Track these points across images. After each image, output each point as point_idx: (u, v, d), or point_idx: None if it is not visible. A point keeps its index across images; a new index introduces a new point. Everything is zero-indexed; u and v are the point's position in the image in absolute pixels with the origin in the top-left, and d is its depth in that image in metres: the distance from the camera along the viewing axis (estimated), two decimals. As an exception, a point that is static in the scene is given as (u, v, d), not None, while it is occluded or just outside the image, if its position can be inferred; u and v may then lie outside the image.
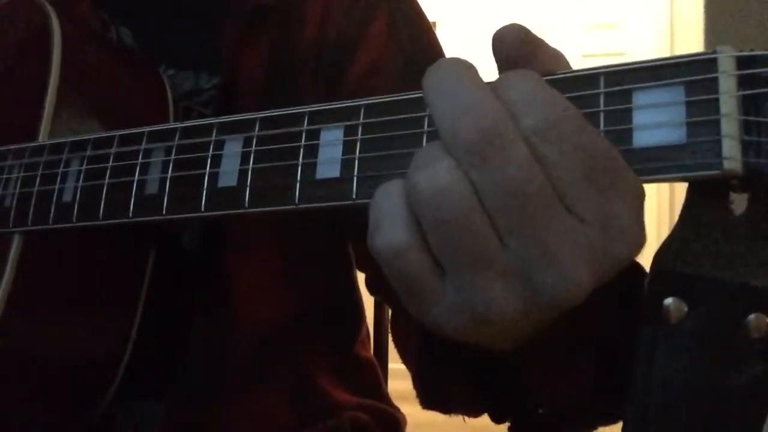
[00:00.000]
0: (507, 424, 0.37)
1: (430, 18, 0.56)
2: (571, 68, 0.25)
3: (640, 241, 0.22)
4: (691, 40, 2.11)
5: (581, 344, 0.30)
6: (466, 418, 0.41)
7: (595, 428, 0.36)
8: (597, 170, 0.21)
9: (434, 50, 0.53)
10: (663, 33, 2.27)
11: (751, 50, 0.20)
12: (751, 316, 0.20)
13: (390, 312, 0.48)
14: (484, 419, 0.40)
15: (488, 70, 0.23)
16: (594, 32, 2.29)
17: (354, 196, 0.26)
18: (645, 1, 2.30)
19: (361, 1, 0.51)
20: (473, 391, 0.37)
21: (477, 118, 0.22)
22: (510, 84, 0.23)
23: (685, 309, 0.21)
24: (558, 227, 0.21)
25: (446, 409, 0.40)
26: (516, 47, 0.24)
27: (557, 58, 0.25)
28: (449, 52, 0.55)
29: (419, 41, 0.52)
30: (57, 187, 0.37)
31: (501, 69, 0.25)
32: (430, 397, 0.40)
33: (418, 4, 0.55)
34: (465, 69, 0.24)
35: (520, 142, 0.21)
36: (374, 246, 0.24)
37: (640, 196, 0.22)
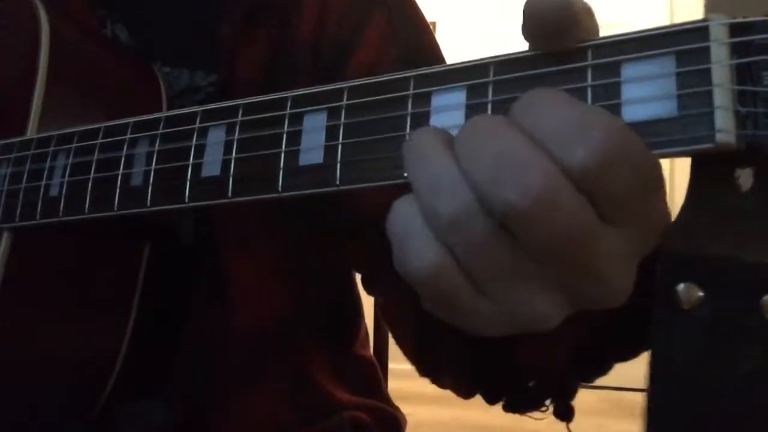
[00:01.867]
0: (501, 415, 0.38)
1: (429, 18, 0.56)
2: (598, 31, 0.23)
3: (668, 221, 0.22)
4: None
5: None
6: (465, 418, 0.41)
7: (587, 381, 0.36)
8: (647, 183, 0.20)
9: (433, 51, 0.53)
10: (665, 32, 2.26)
11: (745, 17, 0.19)
12: (766, 297, 0.19)
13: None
14: (485, 420, 0.40)
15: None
16: (595, 32, 2.28)
17: (337, 182, 0.26)
18: (645, 1, 2.29)
19: (358, 1, 0.51)
20: (469, 371, 0.37)
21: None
22: (538, 112, 0.21)
23: (699, 294, 0.20)
24: (601, 246, 0.21)
25: (442, 384, 0.41)
26: (554, 21, 0.22)
27: (591, 28, 0.23)
28: (448, 52, 0.54)
29: (418, 42, 0.52)
30: (44, 182, 0.37)
31: (532, 40, 0.23)
32: (427, 368, 0.41)
33: (416, 4, 0.54)
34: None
35: (567, 184, 0.20)
36: (407, 271, 0.23)
37: (661, 175, 0.21)
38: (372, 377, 0.60)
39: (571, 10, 0.22)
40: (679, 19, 2.22)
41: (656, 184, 0.21)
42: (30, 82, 0.42)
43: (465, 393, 0.39)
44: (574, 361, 0.34)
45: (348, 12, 0.51)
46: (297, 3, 0.51)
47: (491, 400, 0.37)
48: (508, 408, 0.37)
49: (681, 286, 0.20)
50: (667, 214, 0.22)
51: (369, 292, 0.53)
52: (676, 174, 1.77)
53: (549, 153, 0.20)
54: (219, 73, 0.50)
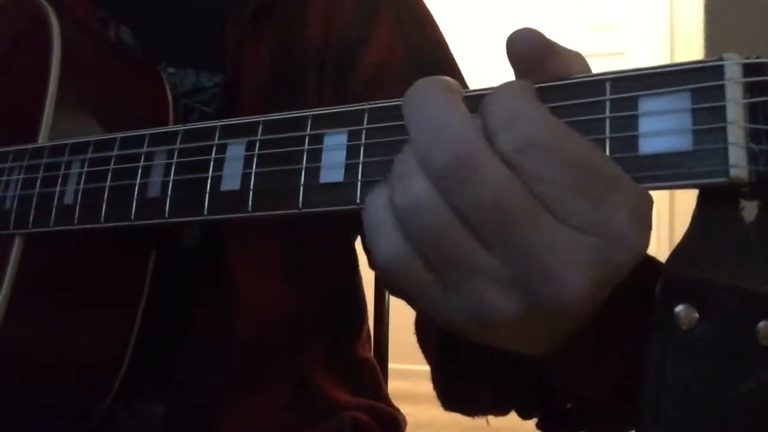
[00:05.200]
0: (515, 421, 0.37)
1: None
2: (588, 67, 0.25)
3: (639, 245, 0.22)
4: (691, 40, 2.10)
5: (606, 339, 0.30)
6: (465, 419, 0.41)
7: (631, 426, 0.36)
8: (586, 180, 0.21)
9: (441, 47, 0.53)
10: (663, 33, 2.27)
11: (758, 57, 0.20)
12: (761, 324, 0.20)
13: (415, 315, 0.48)
14: (485, 420, 0.40)
15: (488, 70, 0.23)
16: (594, 32, 2.29)
17: (358, 201, 0.26)
18: (645, 1, 2.30)
19: (365, 0, 0.51)
20: (497, 390, 0.37)
21: (448, 144, 0.22)
22: (491, 102, 0.23)
23: (696, 316, 0.21)
24: (547, 238, 0.22)
25: (468, 410, 0.40)
26: (528, 52, 0.24)
27: (571, 60, 0.25)
28: (449, 46, 0.55)
29: (426, 38, 0.53)
30: (58, 189, 0.37)
31: (516, 73, 0.25)
32: (451, 399, 0.40)
33: (423, 2, 0.55)
34: (439, 90, 0.24)
35: (494, 161, 0.22)
36: (376, 258, 0.24)
37: (641, 200, 0.22)
38: (372, 378, 0.60)
39: (542, 40, 0.24)
40: (678, 20, 2.23)
41: (601, 186, 0.21)
42: (41, 88, 0.42)
43: (498, 413, 0.39)
44: (620, 390, 0.33)
45: (356, 11, 0.51)
46: (303, 3, 0.51)
47: (524, 416, 0.37)
48: (540, 426, 0.37)
49: (680, 307, 0.21)
50: (625, 227, 0.22)
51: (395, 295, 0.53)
52: (676, 204, 1.79)
53: (489, 134, 0.22)
54: (224, 74, 0.50)
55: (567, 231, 0.22)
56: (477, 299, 0.23)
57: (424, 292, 0.24)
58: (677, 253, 0.22)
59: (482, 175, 0.22)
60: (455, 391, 0.40)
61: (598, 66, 0.24)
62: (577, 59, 0.25)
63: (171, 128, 0.34)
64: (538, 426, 0.37)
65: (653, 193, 0.22)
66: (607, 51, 2.21)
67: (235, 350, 0.49)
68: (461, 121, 0.22)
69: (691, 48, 2.08)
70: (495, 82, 0.24)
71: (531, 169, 0.21)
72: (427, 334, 0.45)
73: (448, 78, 0.24)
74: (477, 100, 0.23)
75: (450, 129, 0.22)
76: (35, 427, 0.45)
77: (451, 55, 0.53)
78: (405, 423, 0.60)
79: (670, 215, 1.77)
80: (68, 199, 0.37)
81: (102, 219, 0.35)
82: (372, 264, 0.55)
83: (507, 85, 0.23)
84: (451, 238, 0.22)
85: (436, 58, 0.52)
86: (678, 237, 0.23)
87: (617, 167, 0.22)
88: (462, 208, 0.22)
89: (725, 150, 0.20)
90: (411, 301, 0.25)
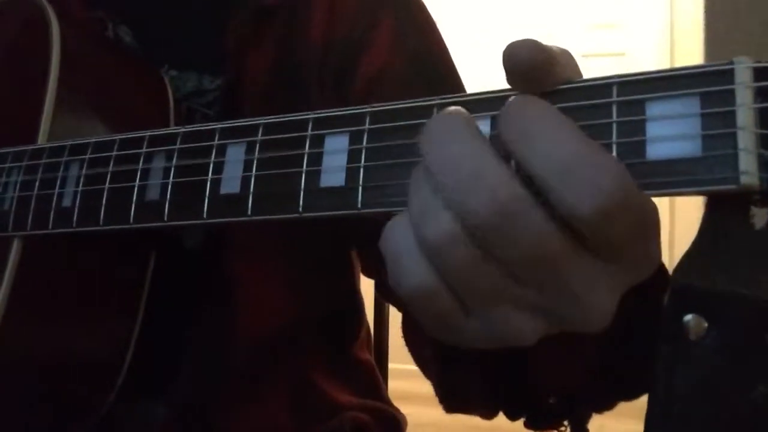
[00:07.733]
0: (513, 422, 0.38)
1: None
2: (581, 74, 0.24)
3: (658, 263, 0.23)
4: (691, 41, 2.10)
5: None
6: (465, 418, 0.41)
7: (601, 410, 0.37)
8: (642, 229, 0.21)
9: (442, 52, 0.53)
10: (663, 33, 2.27)
11: (768, 61, 0.20)
12: None
13: (402, 316, 0.48)
14: (485, 420, 0.41)
15: (488, 71, 0.22)
16: (594, 32, 2.28)
17: (359, 206, 0.26)
18: (645, 1, 2.29)
19: (367, 4, 0.51)
20: (487, 389, 0.37)
21: (486, 196, 0.21)
22: (507, 122, 0.22)
23: (705, 325, 0.21)
24: (582, 273, 0.21)
25: (468, 410, 0.40)
26: (530, 65, 0.23)
27: (568, 65, 0.24)
28: (450, 52, 0.54)
29: (427, 43, 0.52)
30: (56, 191, 0.37)
31: (514, 85, 0.24)
32: (451, 401, 0.41)
33: (425, 7, 0.54)
34: (464, 125, 0.22)
35: (535, 211, 0.21)
36: (401, 288, 0.23)
37: (656, 221, 0.22)
38: (372, 380, 0.60)
39: (545, 52, 0.23)
40: (678, 20, 2.23)
41: (655, 229, 0.22)
42: (41, 88, 0.42)
43: (489, 413, 0.39)
44: (586, 385, 0.35)
45: (358, 14, 0.51)
46: (306, 5, 0.51)
47: (512, 417, 0.38)
48: (528, 425, 0.37)
49: (689, 317, 0.21)
50: (657, 254, 0.22)
51: (386, 300, 0.53)
52: (677, 210, 1.78)
53: (545, 192, 0.20)
54: (226, 76, 0.50)
55: (597, 262, 0.22)
56: (502, 325, 0.23)
57: (445, 317, 0.23)
58: (685, 262, 0.21)
59: (524, 228, 0.20)
60: (451, 394, 0.41)
61: (598, 66, 0.24)
62: (572, 65, 0.24)
63: (170, 130, 0.33)
64: (525, 425, 0.38)
65: (654, 198, 0.22)
66: (608, 51, 2.20)
67: (236, 352, 0.49)
68: (497, 168, 0.21)
69: (691, 48, 2.07)
70: (495, 84, 0.24)
71: (608, 234, 0.20)
72: (421, 339, 0.45)
73: (462, 108, 0.23)
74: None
75: (486, 179, 0.21)
76: (36, 427, 0.45)
77: (451, 60, 0.53)
78: (405, 423, 0.60)
79: (671, 220, 1.77)
80: (67, 202, 0.36)
81: (101, 222, 0.34)
82: (365, 270, 0.56)
83: (521, 104, 0.22)
84: (484, 273, 0.22)
85: (436, 63, 0.52)
86: (678, 242, 0.22)
87: (639, 191, 0.21)
88: (500, 255, 0.21)
89: (735, 156, 0.20)
90: (428, 324, 0.24)
